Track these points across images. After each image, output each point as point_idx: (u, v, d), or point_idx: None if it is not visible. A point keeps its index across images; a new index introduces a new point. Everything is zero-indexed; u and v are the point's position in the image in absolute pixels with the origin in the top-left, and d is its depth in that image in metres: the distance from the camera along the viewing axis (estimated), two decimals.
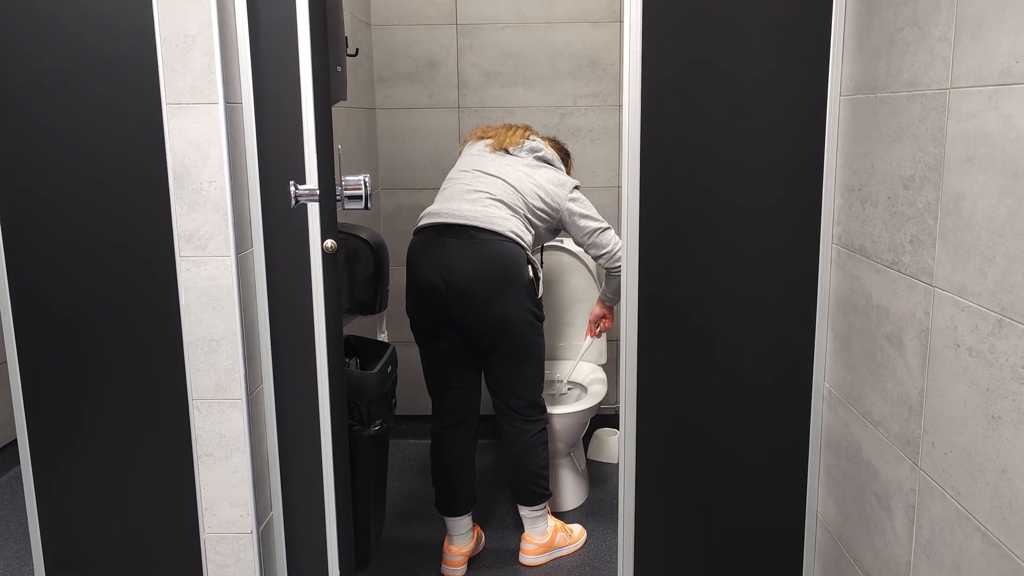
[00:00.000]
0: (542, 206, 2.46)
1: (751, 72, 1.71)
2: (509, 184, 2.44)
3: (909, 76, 1.41)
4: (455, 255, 2.37)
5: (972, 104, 1.22)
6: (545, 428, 2.56)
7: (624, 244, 1.78)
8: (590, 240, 2.55)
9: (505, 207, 2.41)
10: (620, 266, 2.50)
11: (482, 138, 2.60)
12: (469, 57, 3.26)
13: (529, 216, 2.45)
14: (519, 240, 2.39)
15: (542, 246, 3.05)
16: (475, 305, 2.37)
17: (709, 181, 1.76)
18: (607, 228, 2.55)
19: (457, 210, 2.40)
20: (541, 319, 2.47)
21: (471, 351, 2.48)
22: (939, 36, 1.31)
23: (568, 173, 2.74)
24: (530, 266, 2.41)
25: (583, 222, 2.52)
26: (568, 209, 2.50)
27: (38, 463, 1.82)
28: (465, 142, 2.66)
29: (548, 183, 2.48)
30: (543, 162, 2.55)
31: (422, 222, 2.46)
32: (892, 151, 1.48)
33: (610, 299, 2.83)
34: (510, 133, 2.57)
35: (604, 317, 2.91)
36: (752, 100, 1.72)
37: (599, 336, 2.97)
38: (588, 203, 2.55)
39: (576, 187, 2.54)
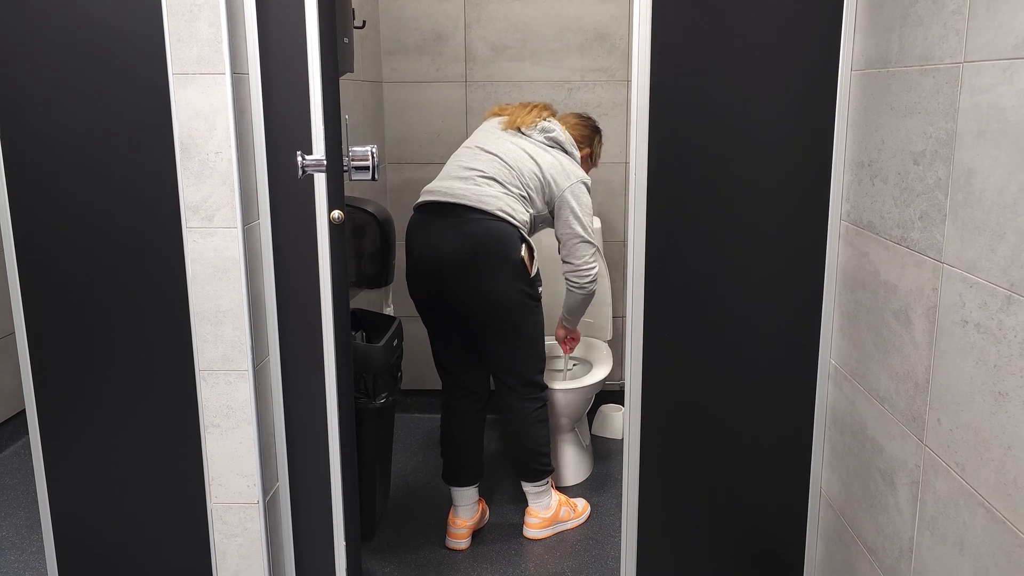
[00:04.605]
0: (539, 187, 2.41)
1: (761, 47, 1.69)
2: (505, 162, 2.40)
3: (922, 50, 1.39)
4: (444, 234, 2.36)
5: (986, 78, 1.21)
6: (544, 406, 2.56)
7: (631, 220, 1.77)
8: (567, 245, 2.46)
9: (497, 185, 2.37)
10: (583, 287, 2.48)
11: (499, 115, 2.57)
12: (476, 30, 3.24)
13: (525, 195, 2.40)
14: (509, 219, 2.35)
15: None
16: (463, 284, 2.37)
17: (717, 157, 1.74)
18: (589, 242, 2.45)
19: (449, 188, 2.39)
20: (536, 298, 2.43)
21: (470, 328, 2.49)
22: (953, 9, 1.30)
23: (592, 152, 2.67)
24: (524, 244, 2.37)
25: (571, 222, 2.43)
26: (563, 199, 2.42)
27: (46, 433, 1.84)
28: (484, 119, 2.63)
29: (550, 168, 2.42)
30: (554, 145, 2.49)
31: (419, 199, 2.45)
32: (903, 126, 1.46)
33: (568, 320, 2.71)
34: (524, 112, 2.51)
35: (570, 336, 2.81)
36: (762, 75, 1.70)
37: (572, 351, 2.87)
38: (587, 205, 2.45)
39: (583, 183, 2.45)
